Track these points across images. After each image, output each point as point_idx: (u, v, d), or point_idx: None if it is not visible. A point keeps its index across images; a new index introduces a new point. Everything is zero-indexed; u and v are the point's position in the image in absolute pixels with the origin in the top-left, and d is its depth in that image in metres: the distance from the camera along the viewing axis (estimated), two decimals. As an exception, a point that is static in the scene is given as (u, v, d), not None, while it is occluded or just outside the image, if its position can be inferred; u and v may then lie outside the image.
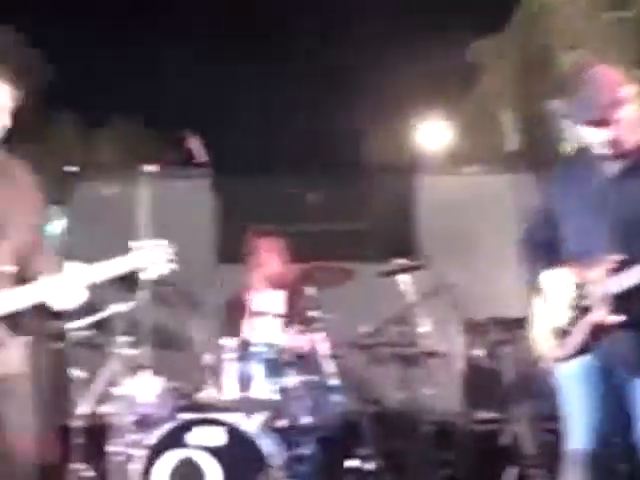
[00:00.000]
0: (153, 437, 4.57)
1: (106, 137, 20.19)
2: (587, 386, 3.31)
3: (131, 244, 3.13)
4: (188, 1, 20.40)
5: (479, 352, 5.74)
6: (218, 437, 4.51)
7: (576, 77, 3.31)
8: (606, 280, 3.17)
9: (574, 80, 3.31)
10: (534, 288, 3.43)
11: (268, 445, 4.53)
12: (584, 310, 3.24)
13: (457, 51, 16.83)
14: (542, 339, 3.40)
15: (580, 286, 3.27)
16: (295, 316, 5.37)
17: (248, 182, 7.76)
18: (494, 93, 17.15)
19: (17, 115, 3.18)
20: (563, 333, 3.31)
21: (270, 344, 4.94)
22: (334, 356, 5.09)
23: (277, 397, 4.76)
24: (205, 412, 4.71)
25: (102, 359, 5.05)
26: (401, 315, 5.53)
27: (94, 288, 3.19)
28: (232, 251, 6.16)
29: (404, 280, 5.44)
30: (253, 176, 8.06)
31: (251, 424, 4.65)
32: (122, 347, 4.89)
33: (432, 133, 18.01)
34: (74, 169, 8.47)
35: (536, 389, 5.10)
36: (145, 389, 4.78)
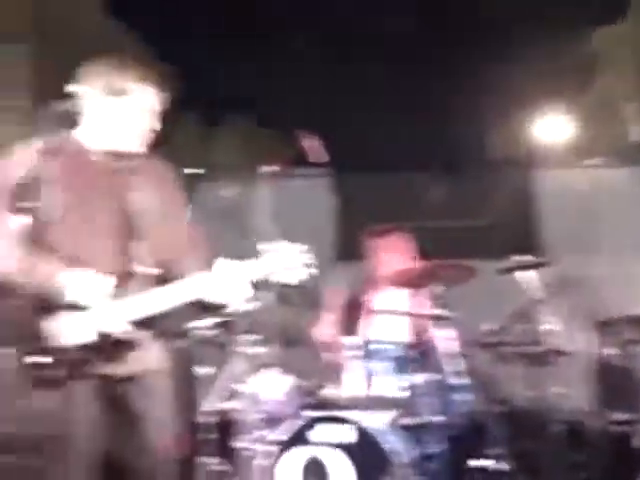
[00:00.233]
0: (279, 434, 4.62)
1: (224, 138, 20.55)
2: None
3: (269, 246, 3.10)
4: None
5: (611, 351, 5.56)
6: (344, 435, 4.53)
7: None
8: None
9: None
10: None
11: (394, 443, 4.52)
12: None
13: (577, 43, 16.43)
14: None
15: None
16: (420, 314, 5.33)
17: (367, 180, 7.75)
18: (616, 83, 16.67)
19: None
20: None
21: (394, 342, 4.93)
22: (461, 354, 5.02)
23: (403, 395, 4.74)
24: (331, 410, 4.73)
25: (227, 357, 5.13)
26: (525, 313, 5.40)
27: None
28: (352, 249, 6.16)
29: (527, 277, 5.32)
30: (372, 174, 8.05)
31: (377, 422, 4.64)
32: (246, 346, 4.96)
33: (553, 126, 17.65)
34: (195, 171, 8.64)
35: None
36: (270, 387, 4.83)
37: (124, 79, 3.07)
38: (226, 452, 4.96)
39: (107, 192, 3.13)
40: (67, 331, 2.94)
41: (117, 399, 3.10)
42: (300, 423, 4.63)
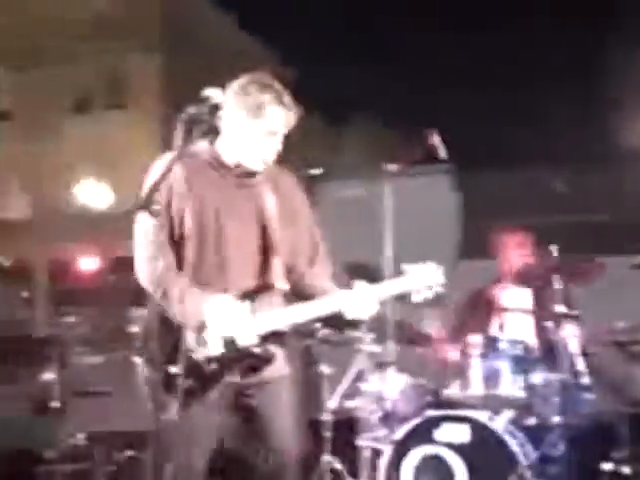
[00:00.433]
0: (400, 433, 4.62)
1: (349, 138, 20.66)
2: None
3: (405, 267, 3.20)
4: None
5: None
6: (465, 434, 4.49)
7: None
8: None
9: None
10: None
11: (515, 444, 4.45)
12: None
13: None
14: None
15: None
16: (545, 312, 5.21)
17: (490, 176, 7.66)
18: None
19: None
20: None
21: (518, 340, 4.84)
22: (586, 353, 4.89)
23: (524, 395, 4.66)
24: (452, 409, 4.70)
25: (349, 356, 5.16)
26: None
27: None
28: (474, 246, 6.10)
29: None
30: (496, 169, 7.95)
31: (498, 422, 4.58)
32: (368, 344, 4.97)
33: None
34: (318, 171, 8.72)
35: None
36: (392, 385, 4.84)
37: (262, 101, 3.11)
38: (348, 450, 4.99)
39: (245, 206, 3.20)
40: (205, 345, 3.04)
41: (245, 405, 3.19)
42: (423, 422, 4.62)
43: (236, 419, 3.19)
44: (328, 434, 5.16)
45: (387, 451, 4.62)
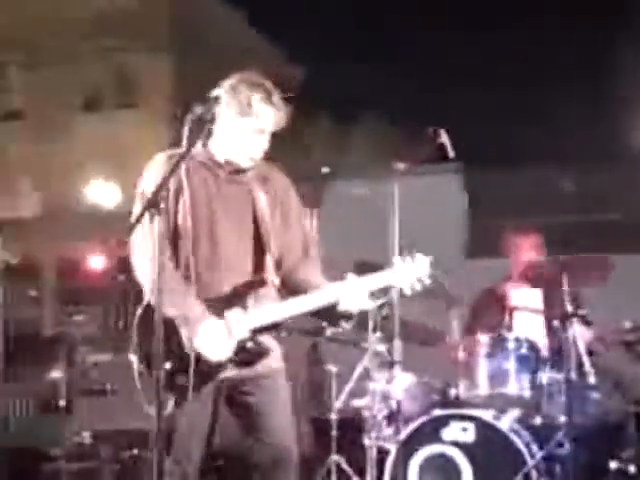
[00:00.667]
0: (406, 432, 4.60)
1: (356, 135, 20.64)
2: None
3: (394, 259, 3.19)
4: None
5: None
6: (471, 433, 4.49)
7: None
8: None
9: None
10: None
11: (521, 443, 4.44)
12: None
13: None
14: None
15: None
16: (554, 312, 5.18)
17: (499, 175, 7.64)
18: None
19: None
20: None
21: (527, 340, 4.82)
22: (594, 353, 4.86)
23: (531, 394, 4.64)
24: (458, 408, 4.68)
25: (357, 355, 5.14)
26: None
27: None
28: (481, 246, 6.08)
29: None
30: (505, 168, 7.93)
31: (504, 421, 4.56)
32: (375, 343, 4.95)
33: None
34: (327, 170, 8.72)
35: None
36: (399, 384, 4.81)
37: (251, 99, 3.14)
38: (355, 449, 4.98)
39: (237, 202, 3.25)
40: (203, 342, 3.07)
41: (241, 401, 3.22)
42: (429, 421, 4.61)
43: (232, 415, 3.22)
44: (334, 433, 5.16)
45: (393, 450, 4.62)
